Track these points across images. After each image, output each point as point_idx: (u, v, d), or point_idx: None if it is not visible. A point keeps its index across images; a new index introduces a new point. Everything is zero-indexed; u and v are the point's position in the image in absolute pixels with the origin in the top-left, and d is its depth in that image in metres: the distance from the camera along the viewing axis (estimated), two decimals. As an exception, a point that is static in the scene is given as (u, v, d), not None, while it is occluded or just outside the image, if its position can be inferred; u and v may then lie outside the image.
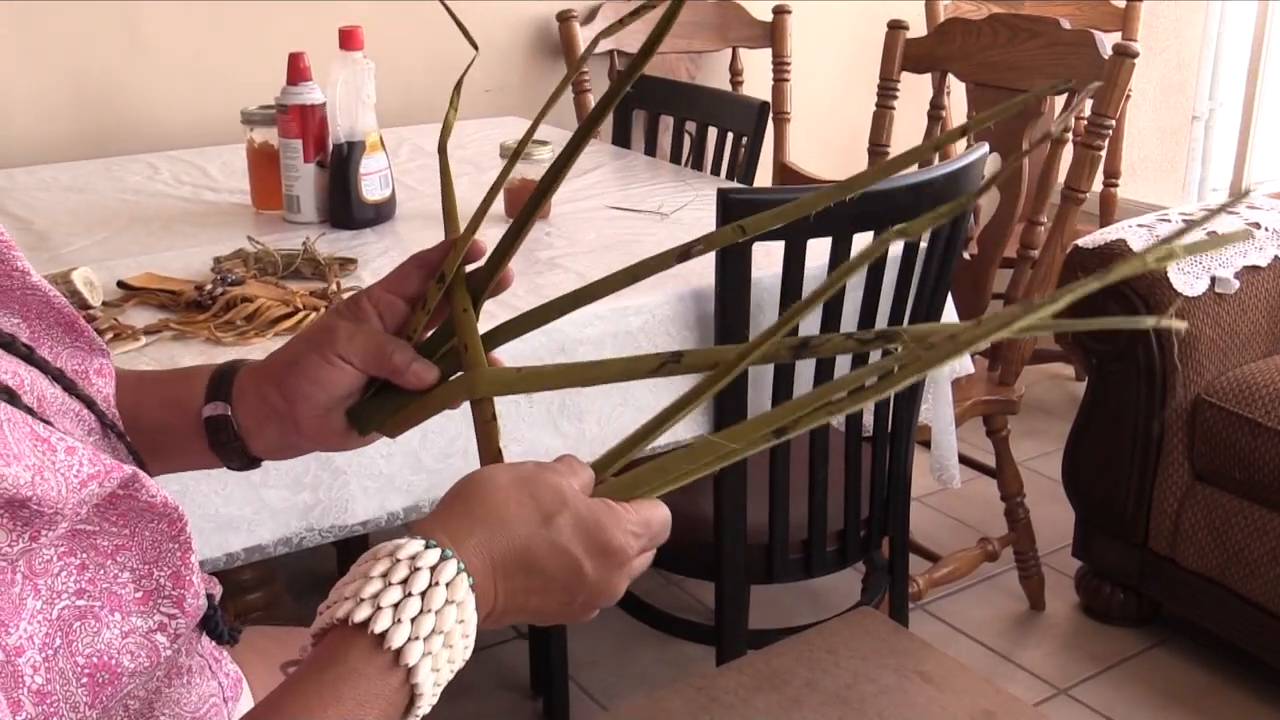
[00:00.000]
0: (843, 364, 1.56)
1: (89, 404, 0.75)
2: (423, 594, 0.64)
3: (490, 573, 0.68)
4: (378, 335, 0.81)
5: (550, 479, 0.70)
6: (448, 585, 0.64)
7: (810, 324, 1.50)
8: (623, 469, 0.75)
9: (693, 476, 0.71)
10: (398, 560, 0.65)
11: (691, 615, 2.22)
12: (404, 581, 0.64)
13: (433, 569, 0.64)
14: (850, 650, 1.28)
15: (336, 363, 0.79)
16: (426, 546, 0.65)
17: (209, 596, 0.76)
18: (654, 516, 0.73)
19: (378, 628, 0.62)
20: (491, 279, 0.82)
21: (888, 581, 1.82)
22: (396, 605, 0.63)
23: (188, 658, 0.77)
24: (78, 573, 0.63)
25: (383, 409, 0.82)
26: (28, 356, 0.71)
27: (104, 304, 1.37)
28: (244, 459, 0.85)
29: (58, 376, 0.73)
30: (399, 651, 0.63)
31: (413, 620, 0.63)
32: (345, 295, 1.44)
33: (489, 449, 0.77)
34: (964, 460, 2.24)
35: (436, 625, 0.63)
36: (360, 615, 0.63)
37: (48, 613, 0.61)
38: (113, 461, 0.62)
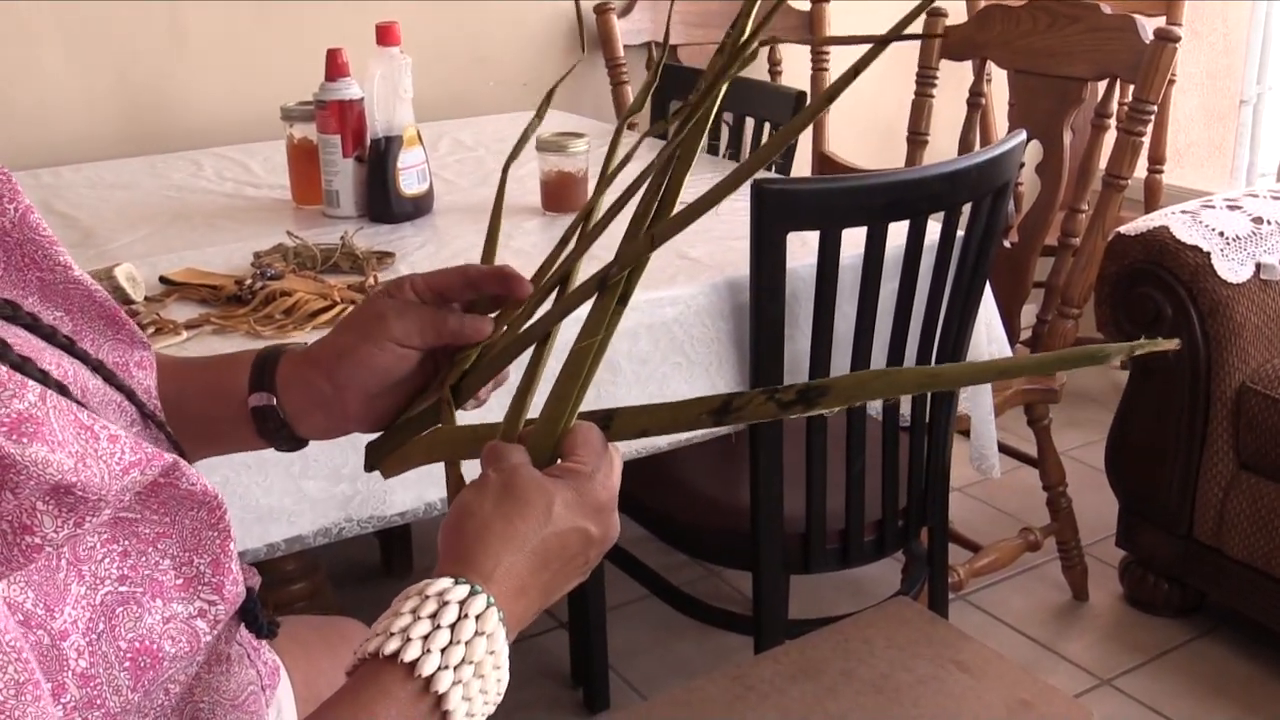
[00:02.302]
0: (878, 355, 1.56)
1: (129, 395, 0.76)
2: (452, 626, 0.66)
3: (520, 595, 0.70)
4: (426, 309, 0.82)
5: (521, 475, 0.72)
6: (477, 618, 0.66)
7: (847, 314, 1.50)
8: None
9: (585, 386, 0.74)
10: (426, 597, 0.67)
11: (731, 605, 2.22)
12: (433, 615, 0.66)
13: (461, 603, 0.66)
14: (886, 640, 1.28)
15: (392, 348, 0.81)
16: (456, 583, 0.67)
17: (248, 588, 0.77)
18: (591, 442, 0.74)
19: (408, 657, 0.64)
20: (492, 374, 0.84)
21: (927, 572, 1.81)
22: (426, 637, 0.65)
23: (227, 645, 0.79)
24: (120, 559, 0.65)
25: (385, 447, 0.84)
26: (69, 348, 0.72)
27: (146, 299, 1.39)
28: (291, 441, 0.87)
29: (98, 368, 0.74)
30: (429, 679, 0.64)
31: (442, 650, 0.65)
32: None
33: (455, 486, 0.80)
34: (1005, 450, 2.23)
35: (467, 655, 0.65)
36: (390, 648, 0.65)
37: (91, 598, 0.63)
38: (154, 449, 0.63)
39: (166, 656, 0.67)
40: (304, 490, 1.27)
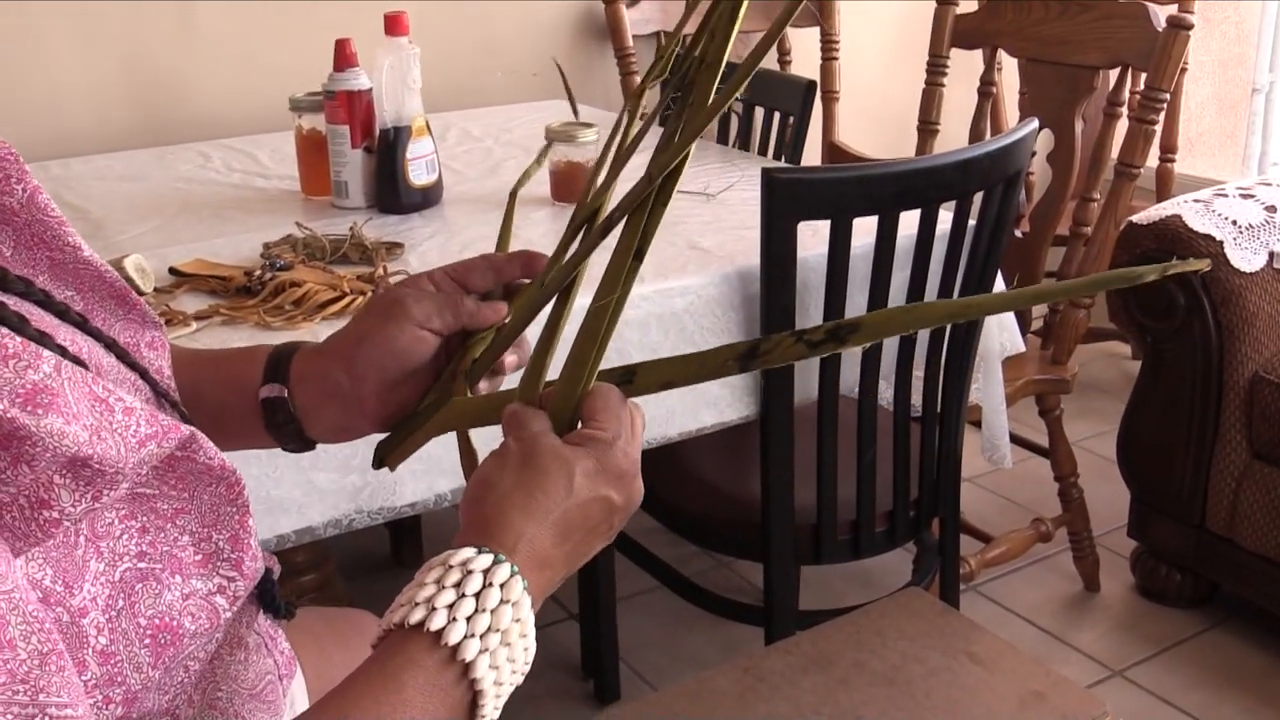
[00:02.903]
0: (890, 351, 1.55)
1: (142, 374, 0.75)
2: (477, 595, 0.65)
3: (543, 566, 0.69)
4: (444, 294, 0.82)
5: (542, 445, 0.71)
6: (502, 586, 0.66)
7: (858, 304, 1.49)
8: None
9: (603, 346, 0.73)
10: (450, 566, 0.66)
11: (742, 596, 2.22)
12: (457, 585, 0.65)
13: (485, 571, 0.66)
14: (898, 631, 1.27)
15: (411, 329, 0.80)
16: (479, 552, 0.67)
17: (268, 570, 0.77)
18: (611, 406, 0.73)
19: (433, 626, 0.64)
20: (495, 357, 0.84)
21: (939, 562, 1.81)
22: (451, 606, 0.64)
23: (246, 631, 0.78)
24: (139, 535, 0.64)
25: (392, 441, 0.84)
26: (82, 325, 0.71)
27: (156, 290, 1.39)
28: (299, 441, 0.86)
29: (111, 346, 0.74)
30: (456, 647, 0.64)
31: (468, 619, 0.64)
32: (394, 277, 1.45)
33: (470, 461, 0.81)
34: (1017, 440, 2.22)
35: (493, 624, 0.65)
36: (416, 617, 0.64)
37: (110, 575, 0.62)
38: (170, 421, 0.63)
39: (186, 633, 0.67)
40: (314, 482, 1.26)
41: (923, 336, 1.57)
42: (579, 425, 0.73)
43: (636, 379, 0.75)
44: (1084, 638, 2.14)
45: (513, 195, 0.90)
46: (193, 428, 0.65)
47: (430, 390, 0.83)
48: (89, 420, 0.57)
